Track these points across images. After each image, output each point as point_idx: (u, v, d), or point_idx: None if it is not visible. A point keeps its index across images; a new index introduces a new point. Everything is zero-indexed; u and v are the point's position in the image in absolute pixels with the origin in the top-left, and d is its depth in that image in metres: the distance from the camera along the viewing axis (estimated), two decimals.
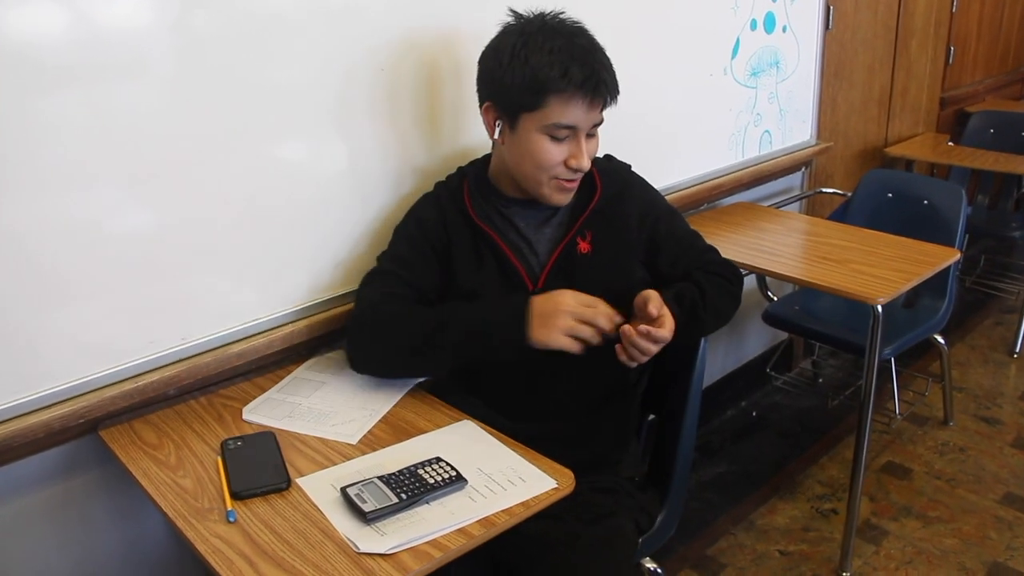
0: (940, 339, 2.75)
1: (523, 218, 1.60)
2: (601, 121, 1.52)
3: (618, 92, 1.50)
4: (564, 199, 1.56)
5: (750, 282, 2.86)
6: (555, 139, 1.48)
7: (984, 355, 3.42)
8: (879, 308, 1.98)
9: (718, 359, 2.93)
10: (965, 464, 2.73)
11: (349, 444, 1.42)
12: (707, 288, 1.59)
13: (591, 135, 1.52)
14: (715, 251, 1.73)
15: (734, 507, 2.55)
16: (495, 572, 1.55)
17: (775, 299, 2.80)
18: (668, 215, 1.69)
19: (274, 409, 1.54)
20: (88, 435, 1.52)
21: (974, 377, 3.25)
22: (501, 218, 1.60)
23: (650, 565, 1.71)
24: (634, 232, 1.63)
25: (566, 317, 1.43)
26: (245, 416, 1.51)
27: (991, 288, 3.93)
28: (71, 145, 1.37)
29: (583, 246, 1.59)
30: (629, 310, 1.53)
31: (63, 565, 1.59)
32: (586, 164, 1.50)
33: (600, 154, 1.64)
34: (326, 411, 1.51)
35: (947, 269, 2.61)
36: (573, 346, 1.43)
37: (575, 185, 1.55)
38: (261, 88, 1.55)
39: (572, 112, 1.45)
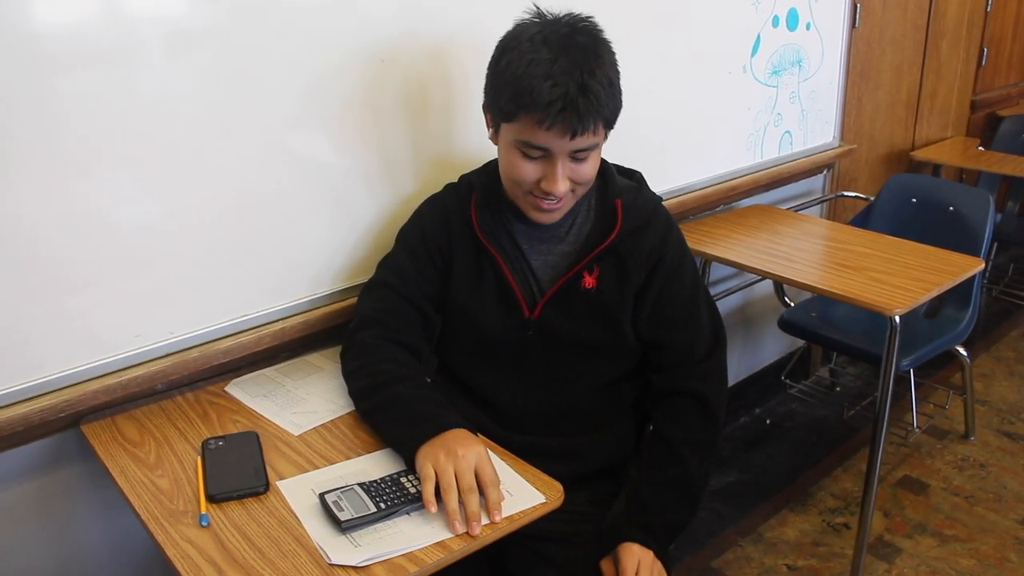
0: (963, 351, 2.66)
1: (530, 241, 1.52)
2: (591, 146, 1.37)
3: (607, 116, 1.35)
4: (545, 218, 1.45)
5: (766, 287, 2.80)
6: (528, 157, 1.38)
7: (1009, 367, 3.32)
8: (896, 319, 1.90)
9: (732, 366, 2.82)
10: (985, 481, 2.64)
11: (293, 435, 1.41)
12: (688, 459, 1.48)
13: (579, 159, 1.38)
14: (713, 336, 1.56)
15: (743, 518, 2.48)
16: (491, 571, 1.50)
17: (792, 304, 2.73)
18: (676, 266, 1.52)
19: (257, 386, 1.53)
20: (70, 429, 1.49)
21: (998, 390, 3.15)
22: (508, 238, 1.52)
23: None
24: (641, 271, 1.51)
25: (456, 463, 1.21)
26: (228, 388, 1.50)
27: (1019, 298, 3.83)
28: (65, 137, 1.33)
29: (588, 281, 1.50)
30: (615, 365, 1.50)
31: (47, 561, 1.55)
32: (560, 189, 1.37)
33: (614, 159, 1.56)
34: (300, 398, 1.49)
35: (971, 279, 2.52)
36: (428, 485, 1.20)
37: (556, 207, 1.43)
38: (256, 81, 1.50)
39: (541, 134, 1.32)
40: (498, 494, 1.20)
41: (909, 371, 2.64)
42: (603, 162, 1.53)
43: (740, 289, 2.72)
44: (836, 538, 2.40)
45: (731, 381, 2.84)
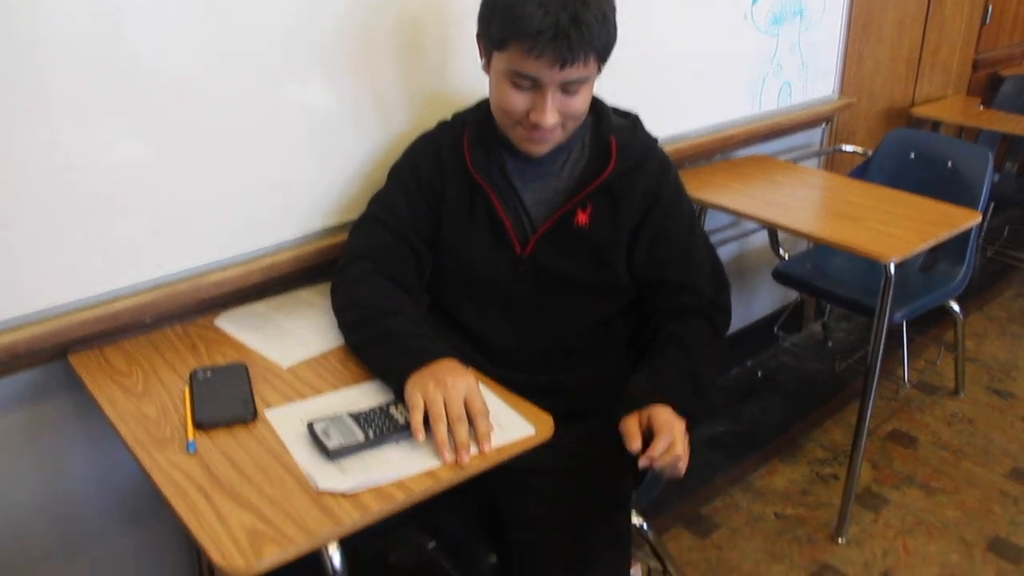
0: (956, 306, 2.66)
1: (523, 177, 1.50)
2: (581, 79, 1.35)
3: (600, 49, 1.33)
4: (536, 149, 1.43)
5: (761, 240, 2.78)
6: (518, 87, 1.36)
7: (1002, 327, 3.32)
8: (891, 267, 1.89)
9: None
10: (974, 436, 2.65)
11: (283, 368, 1.40)
12: (696, 354, 1.46)
13: (570, 92, 1.36)
14: (714, 279, 1.56)
15: (732, 467, 2.49)
16: (480, 509, 1.50)
17: (786, 257, 2.72)
18: (671, 206, 1.52)
19: (248, 320, 1.52)
20: (58, 360, 1.47)
21: (989, 349, 3.16)
22: (500, 174, 1.50)
23: (637, 520, 1.65)
24: (636, 212, 1.50)
25: (445, 392, 1.21)
26: (217, 321, 1.49)
27: (1014, 259, 3.82)
28: (51, 77, 1.30)
29: (581, 218, 1.48)
30: (608, 303, 1.47)
31: (35, 491, 1.55)
32: (548, 121, 1.35)
33: (612, 100, 1.54)
34: (290, 331, 1.49)
35: (967, 233, 2.52)
36: (417, 414, 1.20)
37: (545, 137, 1.41)
38: (245, 16, 1.47)
39: (531, 63, 1.30)
40: (487, 425, 1.20)
41: (902, 325, 2.64)
42: (597, 100, 1.52)
43: (735, 239, 2.71)
44: (824, 488, 2.41)
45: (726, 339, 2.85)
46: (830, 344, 3.16)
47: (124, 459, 1.63)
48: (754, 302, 2.95)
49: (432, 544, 2.11)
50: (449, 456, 1.16)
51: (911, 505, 2.35)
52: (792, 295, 3.02)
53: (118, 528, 1.67)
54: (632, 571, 1.77)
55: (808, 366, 3.02)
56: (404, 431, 1.19)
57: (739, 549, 2.19)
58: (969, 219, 2.09)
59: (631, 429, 1.33)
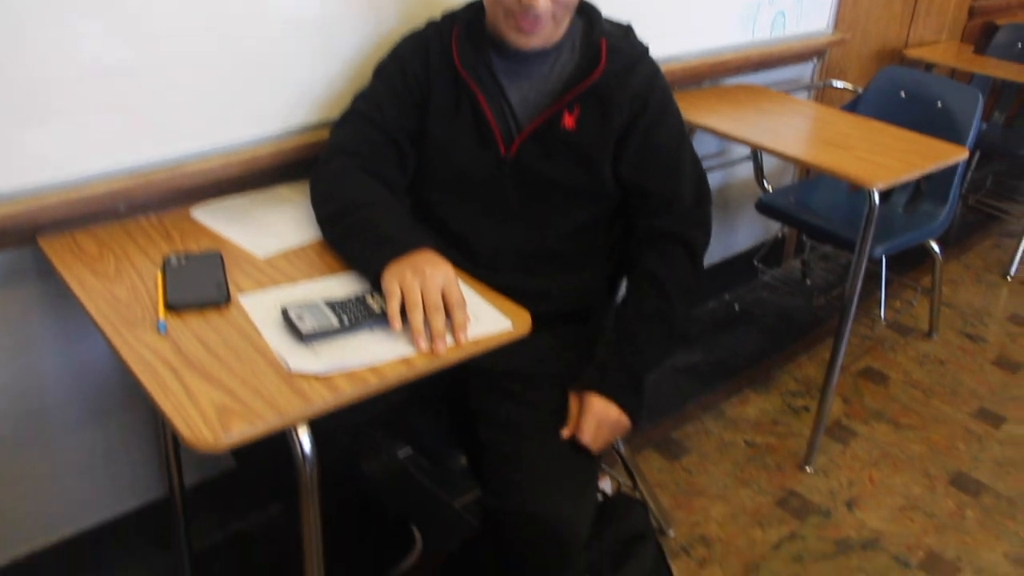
0: (935, 247, 2.66)
1: (510, 76, 1.47)
2: None
3: None
4: (526, 42, 1.40)
5: (745, 171, 2.77)
6: None
7: (977, 275, 3.34)
8: (875, 195, 1.88)
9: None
10: (943, 377, 2.68)
11: (259, 258, 1.38)
12: (672, 295, 1.48)
13: None
14: (697, 192, 1.54)
15: (705, 395, 2.50)
16: (452, 414, 1.50)
17: (770, 190, 2.70)
18: (660, 114, 1.49)
19: (225, 212, 1.49)
20: (28, 245, 1.44)
21: (964, 295, 3.18)
22: (487, 72, 1.47)
23: None
24: (624, 116, 1.47)
25: (423, 281, 1.19)
26: (193, 213, 1.45)
27: (995, 209, 3.84)
28: None
29: (568, 121, 1.46)
30: (591, 209, 1.46)
31: (2, 380, 1.53)
32: (539, 4, 1.33)
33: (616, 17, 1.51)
34: (268, 224, 1.46)
35: (952, 172, 2.52)
36: (394, 302, 1.18)
37: (534, 28, 1.37)
38: None
39: None
40: (464, 316, 1.18)
41: (881, 261, 2.65)
42: (589, 5, 1.49)
43: (720, 168, 2.69)
44: (795, 419, 2.43)
45: (704, 264, 2.85)
46: (808, 282, 3.16)
47: (93, 350, 1.61)
48: (735, 235, 2.95)
49: (403, 452, 2.12)
50: (424, 345, 1.14)
51: (879, 439, 2.38)
52: (773, 229, 3.02)
53: (87, 420, 1.66)
54: (601, 484, 1.79)
55: (785, 302, 3.03)
56: (380, 319, 1.18)
57: (708, 473, 2.21)
58: (956, 154, 2.08)
59: (573, 406, 1.42)
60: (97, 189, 1.43)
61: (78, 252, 1.38)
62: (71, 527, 1.73)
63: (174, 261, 1.32)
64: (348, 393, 1.06)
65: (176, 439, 1.69)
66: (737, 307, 2.96)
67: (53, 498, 1.68)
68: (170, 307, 1.21)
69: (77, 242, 1.41)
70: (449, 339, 1.16)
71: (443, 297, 1.18)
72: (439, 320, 1.16)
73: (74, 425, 1.64)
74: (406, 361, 1.13)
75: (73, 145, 1.41)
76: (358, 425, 1.48)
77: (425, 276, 1.19)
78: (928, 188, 2.63)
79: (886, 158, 1.98)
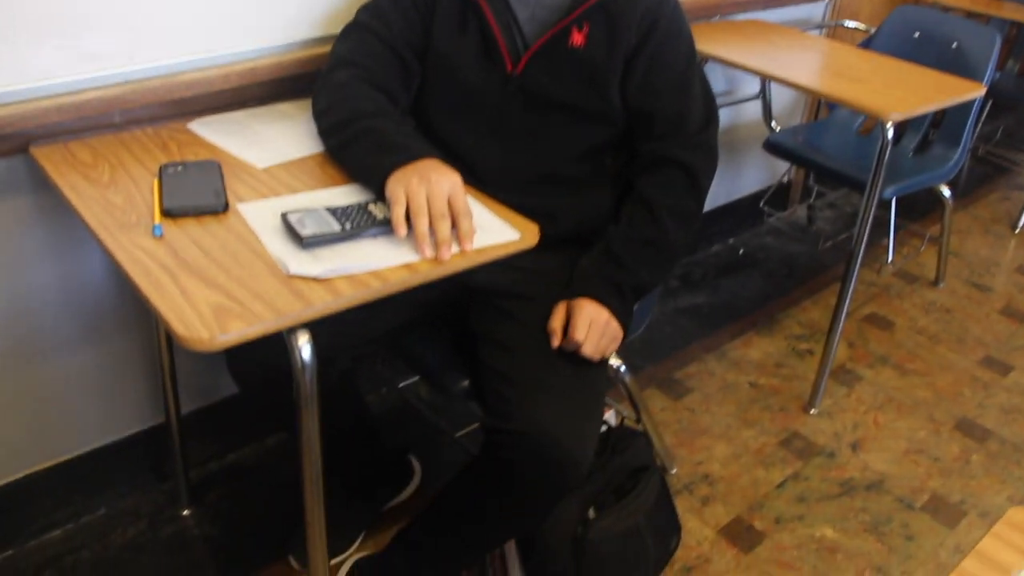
0: (946, 191, 2.62)
1: None
2: None
3: None
4: None
5: (753, 112, 2.71)
6: None
7: (985, 226, 3.30)
8: (890, 128, 1.83)
9: (710, 191, 2.80)
10: (950, 324, 2.65)
11: (258, 169, 1.33)
12: (667, 224, 1.43)
13: None
14: (705, 115, 1.48)
15: (708, 336, 2.47)
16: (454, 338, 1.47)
17: (778, 130, 2.65)
18: (671, 33, 1.44)
19: (224, 126, 1.45)
20: (19, 155, 1.40)
21: (972, 246, 3.14)
22: None
23: (614, 362, 1.63)
24: (633, 34, 1.42)
25: (429, 188, 1.15)
26: (190, 125, 1.41)
27: (1004, 160, 3.79)
28: None
29: (577, 38, 1.41)
30: (598, 131, 1.42)
31: None
32: None
33: None
34: (269, 138, 1.42)
35: (965, 116, 2.47)
36: (399, 208, 1.14)
37: None
38: None
39: None
40: (470, 225, 1.15)
41: (890, 206, 2.61)
42: None
43: (727, 106, 2.63)
44: (799, 362, 2.41)
45: (708, 207, 2.81)
46: (814, 229, 3.12)
47: (89, 268, 1.57)
48: (741, 178, 2.90)
49: (403, 383, 2.10)
50: (429, 251, 1.11)
51: (884, 384, 2.35)
52: (779, 174, 2.97)
53: (83, 342, 1.63)
54: (605, 416, 1.76)
55: (790, 247, 2.99)
56: (383, 226, 1.14)
57: (711, 413, 2.19)
58: (973, 90, 2.03)
59: (558, 314, 1.37)
60: (90, 96, 1.38)
61: (72, 160, 1.34)
62: (67, 451, 1.71)
63: (171, 169, 1.28)
64: (349, 296, 1.03)
65: (173, 364, 1.66)
66: (741, 252, 2.92)
67: (49, 421, 1.65)
68: (166, 213, 1.17)
69: (71, 151, 1.37)
70: (454, 248, 1.12)
71: (449, 205, 1.14)
72: (444, 227, 1.12)
73: (70, 347, 1.61)
74: (409, 267, 1.09)
75: (66, 52, 1.36)
76: (358, 346, 1.45)
77: (431, 183, 1.15)
78: (939, 132, 2.58)
79: (901, 91, 1.93)
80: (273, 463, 1.93)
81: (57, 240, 1.52)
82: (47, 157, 1.34)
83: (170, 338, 1.63)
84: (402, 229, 1.12)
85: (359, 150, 1.28)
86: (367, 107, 1.33)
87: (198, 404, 1.85)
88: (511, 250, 1.16)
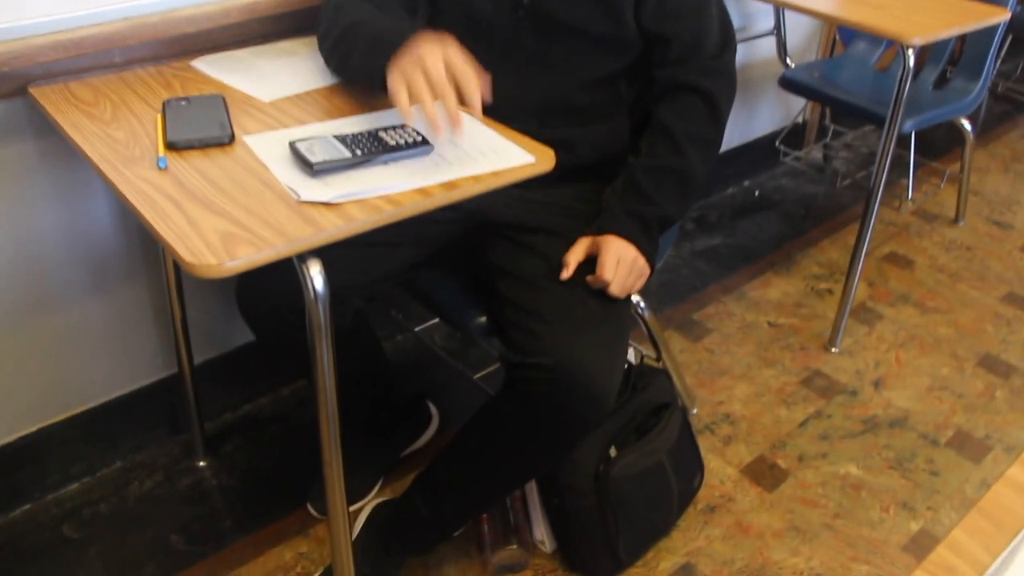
0: (967, 124, 2.56)
1: None
2: None
3: None
4: None
5: (767, 48, 2.65)
6: None
7: (1005, 164, 3.23)
8: (910, 54, 1.78)
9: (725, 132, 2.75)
10: (971, 262, 2.60)
11: (264, 102, 1.29)
12: (688, 152, 1.39)
13: None
14: (722, 40, 1.43)
15: (726, 277, 2.43)
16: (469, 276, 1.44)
17: (792, 66, 2.59)
18: None
19: (227, 63, 1.41)
20: (18, 97, 1.36)
21: (991, 184, 3.08)
22: None
23: (635, 298, 1.60)
24: None
25: (422, 63, 1.10)
26: (193, 62, 1.37)
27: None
28: None
29: None
30: (613, 58, 1.38)
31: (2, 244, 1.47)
32: None
33: None
34: (273, 74, 1.38)
35: (986, 47, 2.41)
36: (401, 98, 1.11)
37: None
38: None
39: None
40: (473, 81, 1.10)
41: (910, 142, 2.55)
42: None
43: (742, 41, 2.57)
44: (819, 301, 2.37)
45: (722, 148, 2.76)
46: (830, 169, 3.07)
47: (95, 214, 1.54)
48: (756, 118, 2.84)
49: (420, 328, 2.07)
50: (443, 128, 1.08)
51: (905, 321, 2.31)
52: (793, 112, 2.91)
53: (93, 291, 1.60)
54: None
55: (807, 188, 2.94)
56: (394, 151, 1.10)
57: (731, 353, 2.15)
58: (997, 14, 1.96)
59: (581, 248, 1.34)
60: (88, 32, 1.34)
61: (72, 99, 1.30)
62: (80, 403, 1.69)
63: (175, 103, 1.24)
64: (361, 220, 0.99)
65: (184, 313, 1.64)
66: (757, 194, 2.87)
67: (60, 373, 1.63)
68: (171, 146, 1.14)
69: (71, 90, 1.33)
70: (467, 120, 1.08)
71: (449, 70, 1.10)
72: (450, 99, 1.09)
73: (79, 297, 1.59)
74: (423, 191, 1.05)
75: None
76: (371, 285, 1.42)
77: (424, 59, 1.09)
78: (959, 64, 2.52)
79: (922, 16, 1.87)
80: (289, 413, 1.91)
81: (61, 187, 1.48)
82: (46, 97, 1.30)
83: (180, 286, 1.60)
84: (410, 117, 1.08)
85: (356, 60, 1.24)
86: (358, 16, 1.28)
87: (212, 354, 1.82)
88: (527, 173, 1.12)
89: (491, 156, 1.12)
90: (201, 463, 1.78)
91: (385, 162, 1.09)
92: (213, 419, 1.87)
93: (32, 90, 1.32)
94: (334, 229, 0.98)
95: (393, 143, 1.11)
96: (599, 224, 1.35)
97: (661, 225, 1.38)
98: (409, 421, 1.80)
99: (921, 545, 1.69)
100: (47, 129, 1.42)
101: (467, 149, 1.14)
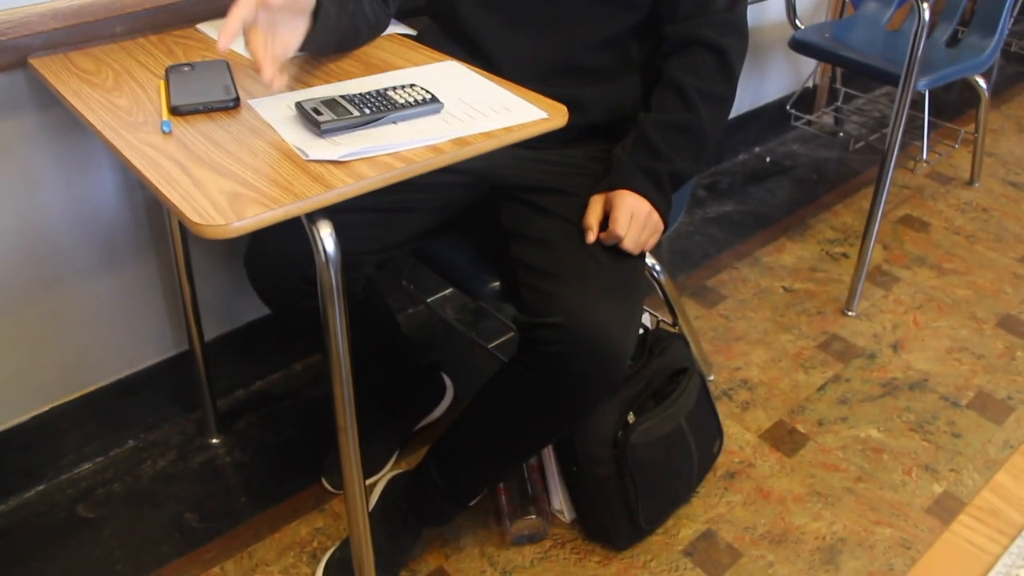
0: (982, 82, 2.52)
1: None
2: None
3: None
4: None
5: (776, 10, 2.61)
6: None
7: (1019, 125, 3.19)
8: (925, 7, 1.74)
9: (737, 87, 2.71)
10: (987, 223, 2.56)
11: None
12: (700, 108, 1.35)
13: None
14: (731, 2, 1.38)
15: (739, 243, 2.40)
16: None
17: (803, 28, 2.55)
18: None
19: None
20: (19, 70, 1.33)
21: (1006, 144, 3.03)
22: None
23: (649, 260, 1.57)
24: None
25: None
26: (200, 26, 1.33)
27: None
28: None
29: None
30: (622, 16, 1.35)
31: (6, 221, 1.44)
32: None
33: None
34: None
35: (1000, 2, 2.36)
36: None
37: None
38: None
39: None
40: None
41: (924, 102, 2.51)
42: None
43: (751, 4, 2.52)
44: (834, 265, 2.34)
45: (732, 114, 2.72)
46: (841, 135, 3.03)
47: (100, 190, 1.52)
48: (765, 83, 2.80)
49: (432, 298, 2.05)
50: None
51: (922, 284, 2.28)
52: (804, 77, 2.86)
53: (100, 268, 1.58)
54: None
55: (819, 153, 2.90)
56: (404, 110, 1.07)
57: (747, 319, 2.13)
58: None
59: (595, 207, 1.32)
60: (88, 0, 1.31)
61: (73, 69, 1.27)
62: (91, 382, 1.67)
63: (178, 69, 1.21)
64: (371, 178, 0.97)
65: (194, 288, 1.61)
66: (768, 159, 2.83)
67: (70, 352, 1.62)
68: (175, 111, 1.11)
69: (72, 60, 1.30)
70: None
71: None
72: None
73: (86, 274, 1.57)
74: (434, 148, 1.02)
75: None
76: (383, 251, 1.39)
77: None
78: (973, 21, 2.47)
79: None
80: (302, 389, 1.89)
81: (65, 162, 1.46)
82: (47, 67, 1.28)
83: (189, 261, 1.58)
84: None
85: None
86: None
87: (223, 330, 1.81)
88: (540, 129, 1.10)
89: (503, 113, 1.09)
90: (214, 440, 1.76)
91: (394, 121, 1.07)
92: (225, 396, 1.85)
93: (32, 61, 1.30)
94: (344, 187, 0.95)
95: (402, 101, 1.08)
96: (610, 180, 1.32)
97: (673, 181, 1.35)
98: (423, 393, 1.78)
99: (945, 507, 1.66)
100: (49, 101, 1.40)
101: (478, 106, 1.12)
